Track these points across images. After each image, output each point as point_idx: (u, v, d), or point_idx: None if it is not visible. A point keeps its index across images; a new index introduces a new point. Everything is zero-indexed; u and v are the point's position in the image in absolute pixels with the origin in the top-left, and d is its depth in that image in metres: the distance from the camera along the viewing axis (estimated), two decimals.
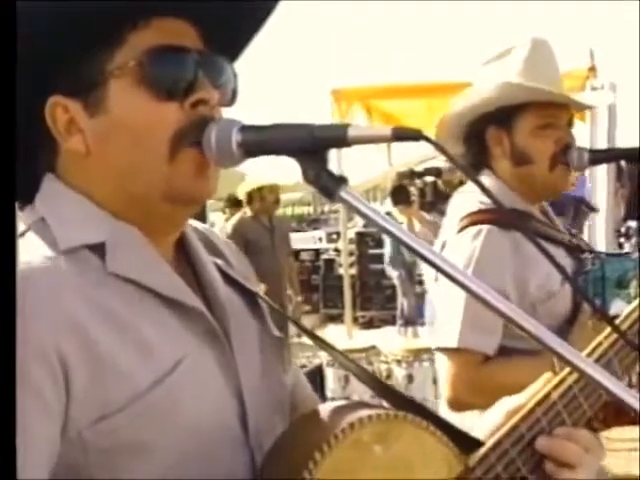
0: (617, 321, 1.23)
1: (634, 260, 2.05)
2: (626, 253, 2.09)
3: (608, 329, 1.19)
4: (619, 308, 1.98)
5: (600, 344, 1.18)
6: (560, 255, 2.02)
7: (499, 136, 2.07)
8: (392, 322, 10.12)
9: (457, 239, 1.99)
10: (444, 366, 1.96)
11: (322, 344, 1.23)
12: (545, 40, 2.12)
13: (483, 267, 1.91)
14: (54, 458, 0.87)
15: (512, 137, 2.06)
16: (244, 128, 0.94)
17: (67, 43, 0.95)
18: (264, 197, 6.85)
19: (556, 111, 2.06)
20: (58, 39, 0.95)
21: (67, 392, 0.87)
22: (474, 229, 1.97)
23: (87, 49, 0.97)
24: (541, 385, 1.14)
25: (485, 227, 1.96)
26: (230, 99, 1.07)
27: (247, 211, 7.01)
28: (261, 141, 0.93)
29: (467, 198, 2.09)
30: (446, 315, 1.96)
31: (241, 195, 7.17)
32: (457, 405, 1.95)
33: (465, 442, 1.07)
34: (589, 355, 1.17)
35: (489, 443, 1.07)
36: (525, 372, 1.60)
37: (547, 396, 1.12)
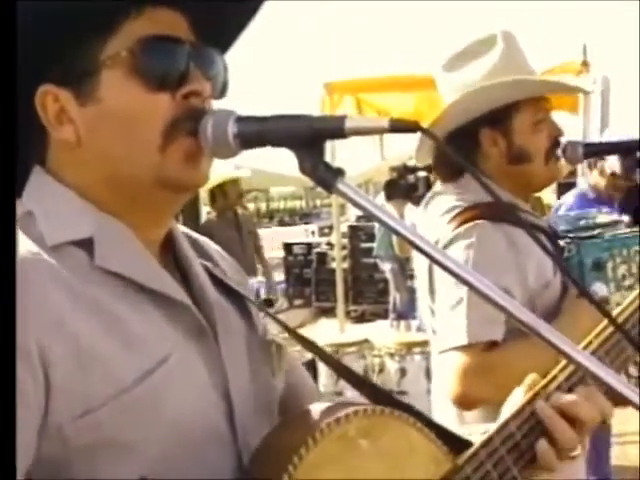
0: (614, 313, 1.22)
1: (607, 241, 2.03)
2: (598, 235, 2.06)
3: (598, 328, 1.18)
4: (599, 290, 1.98)
5: (590, 343, 1.16)
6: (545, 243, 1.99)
7: (494, 137, 2.03)
8: (384, 316, 10.13)
9: (449, 241, 1.94)
10: (452, 364, 1.89)
11: (306, 344, 1.21)
12: (510, 31, 2.07)
13: (482, 266, 1.85)
14: (31, 454, 0.86)
15: (509, 136, 2.02)
16: (241, 119, 0.94)
17: (59, 32, 0.94)
18: (227, 193, 6.54)
19: (546, 105, 2.04)
20: (50, 28, 0.94)
21: (47, 387, 0.86)
22: (465, 227, 1.93)
23: (79, 38, 0.96)
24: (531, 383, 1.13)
25: (477, 222, 1.91)
26: (220, 91, 1.07)
27: (210, 211, 6.77)
28: (258, 132, 0.92)
29: (446, 199, 2.05)
30: (449, 315, 1.90)
31: (203, 194, 6.81)
32: (467, 401, 1.88)
33: (454, 443, 1.06)
34: (596, 336, 1.16)
35: (479, 441, 1.06)
36: (533, 353, 1.58)
37: (536, 394, 1.10)
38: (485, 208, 1.91)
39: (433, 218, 2.07)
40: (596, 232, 2.06)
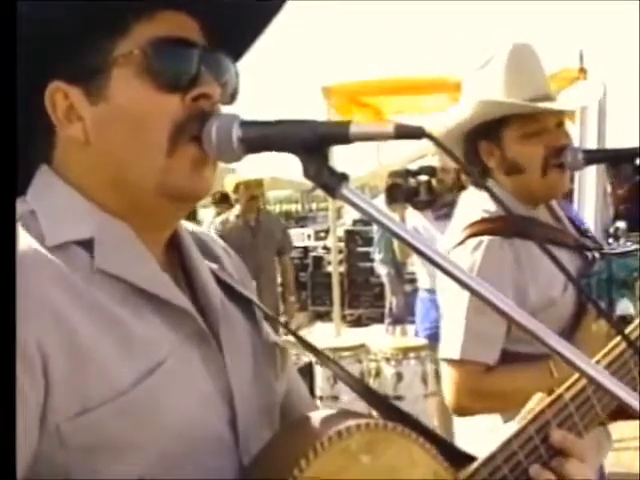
0: (627, 330, 1.23)
1: (638, 260, 2.03)
2: (632, 251, 2.07)
3: (607, 347, 1.19)
4: (625, 308, 1.99)
5: (616, 345, 1.18)
6: (564, 258, 1.99)
7: (490, 149, 2.08)
8: (380, 320, 10.12)
9: (458, 252, 2.00)
10: (447, 375, 1.99)
11: (308, 347, 1.22)
12: (526, 44, 2.10)
13: (483, 279, 1.89)
14: (31, 452, 0.86)
15: (502, 149, 2.07)
16: (245, 123, 0.93)
17: (71, 31, 0.95)
18: (250, 192, 6.68)
19: (542, 116, 2.04)
20: (62, 27, 0.94)
21: (46, 384, 0.86)
22: (474, 241, 1.98)
23: (91, 36, 0.96)
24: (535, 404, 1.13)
25: (485, 239, 1.97)
26: (230, 97, 1.07)
27: (237, 207, 6.82)
28: (262, 137, 0.92)
29: (474, 202, 2.09)
30: (449, 326, 2.00)
31: (229, 189, 6.99)
32: (461, 411, 2.00)
33: (454, 455, 1.06)
34: (604, 356, 1.17)
35: (480, 459, 1.05)
36: (524, 379, 1.64)
37: (541, 412, 1.10)
38: (498, 222, 1.96)
39: (455, 221, 2.14)
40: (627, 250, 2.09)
